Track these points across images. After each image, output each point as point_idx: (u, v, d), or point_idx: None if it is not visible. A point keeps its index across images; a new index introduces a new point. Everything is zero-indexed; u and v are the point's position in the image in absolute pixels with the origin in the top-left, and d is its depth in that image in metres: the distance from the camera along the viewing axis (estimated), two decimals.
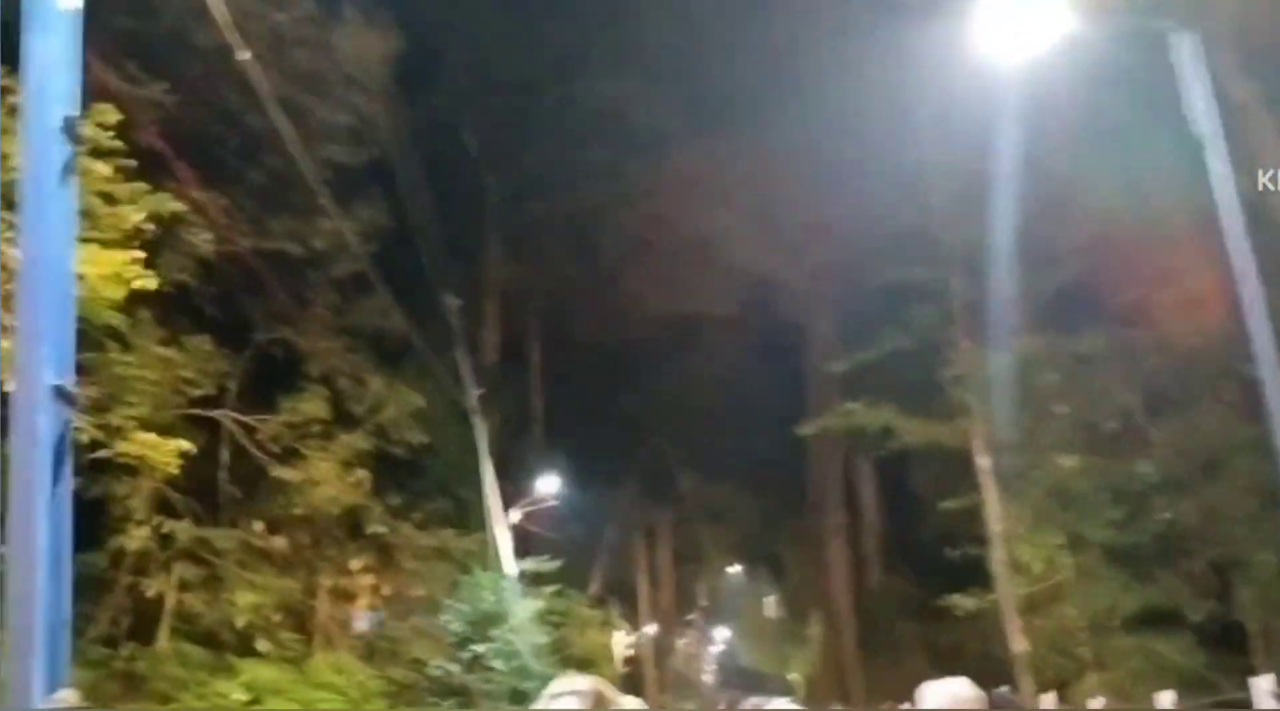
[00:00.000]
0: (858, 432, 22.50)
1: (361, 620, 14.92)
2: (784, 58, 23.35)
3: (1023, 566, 17.81)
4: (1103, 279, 16.16)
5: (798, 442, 35.14)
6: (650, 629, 38.43)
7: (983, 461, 21.70)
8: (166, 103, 13.81)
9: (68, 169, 4.45)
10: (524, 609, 19.39)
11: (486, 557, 18.77)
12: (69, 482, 4.24)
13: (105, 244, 9.11)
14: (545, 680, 16.47)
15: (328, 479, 14.76)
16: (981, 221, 20.09)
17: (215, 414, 14.24)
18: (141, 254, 9.75)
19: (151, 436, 10.95)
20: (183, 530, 12.95)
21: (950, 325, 21.96)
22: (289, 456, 14.90)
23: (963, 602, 21.34)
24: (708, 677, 52.04)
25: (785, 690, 36.08)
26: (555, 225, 30.46)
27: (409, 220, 20.62)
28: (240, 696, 11.33)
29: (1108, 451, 16.05)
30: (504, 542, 19.06)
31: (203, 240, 14.66)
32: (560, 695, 3.73)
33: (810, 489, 35.34)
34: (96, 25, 4.62)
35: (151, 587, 12.69)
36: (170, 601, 13.01)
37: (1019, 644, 20.52)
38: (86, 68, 4.58)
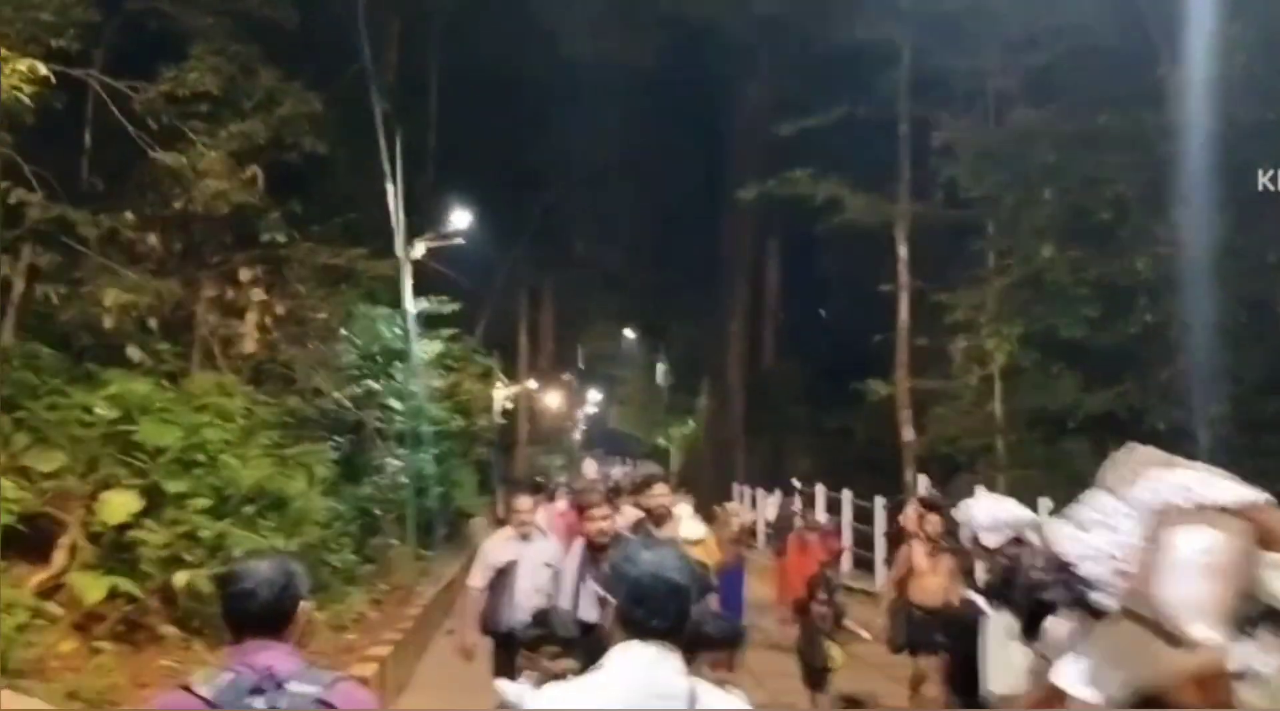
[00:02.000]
0: (799, 203, 20.78)
1: (249, 338, 12.84)
2: None
3: (978, 356, 16.78)
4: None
5: (707, 214, 33.38)
6: (528, 385, 37.38)
7: (902, 249, 20.61)
8: None
9: None
10: (422, 349, 17.78)
11: (390, 287, 16.82)
12: None
13: None
14: (439, 423, 14.89)
15: (215, 170, 12.29)
16: None
17: (79, 73, 11.51)
18: None
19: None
20: (38, 204, 10.47)
21: (916, 96, 20.15)
22: (169, 139, 12.35)
23: (876, 388, 20.66)
24: (576, 436, 52.20)
25: (650, 455, 35.84)
26: None
27: None
28: (104, 412, 9.27)
29: (1095, 244, 14.78)
30: (406, 276, 17.08)
31: None
32: None
33: (717, 263, 33.81)
34: None
35: None
36: (17, 290, 10.68)
37: (909, 433, 20.13)
38: None
